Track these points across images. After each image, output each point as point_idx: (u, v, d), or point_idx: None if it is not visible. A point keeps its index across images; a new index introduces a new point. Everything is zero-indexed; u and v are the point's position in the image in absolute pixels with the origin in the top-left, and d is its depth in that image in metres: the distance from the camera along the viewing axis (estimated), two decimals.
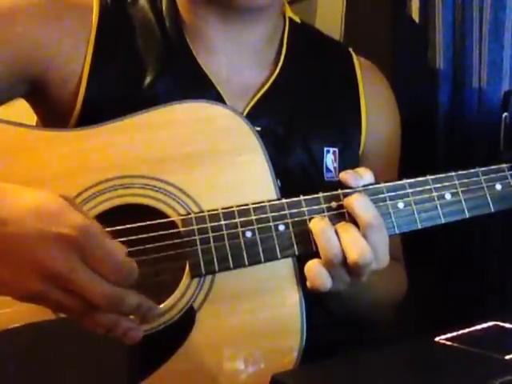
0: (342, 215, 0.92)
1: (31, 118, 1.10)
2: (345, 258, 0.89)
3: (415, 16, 1.44)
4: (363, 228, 0.90)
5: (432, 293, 1.38)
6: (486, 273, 1.37)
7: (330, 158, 1.11)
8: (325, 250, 0.89)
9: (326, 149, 1.11)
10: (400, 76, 1.41)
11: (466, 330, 0.89)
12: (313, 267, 0.90)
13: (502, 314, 0.94)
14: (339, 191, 0.94)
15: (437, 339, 0.86)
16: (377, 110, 1.17)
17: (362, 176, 0.94)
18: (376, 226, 0.90)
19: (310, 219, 0.92)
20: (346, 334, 1.15)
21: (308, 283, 0.91)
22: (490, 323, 0.91)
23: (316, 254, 0.91)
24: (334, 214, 0.93)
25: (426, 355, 0.83)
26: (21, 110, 1.08)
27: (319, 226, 0.91)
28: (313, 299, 1.08)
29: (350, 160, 1.13)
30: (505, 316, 0.93)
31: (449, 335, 0.87)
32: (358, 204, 0.91)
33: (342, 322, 1.13)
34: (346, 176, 0.94)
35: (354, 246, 0.89)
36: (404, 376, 0.79)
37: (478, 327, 0.90)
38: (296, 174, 1.08)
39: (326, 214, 0.93)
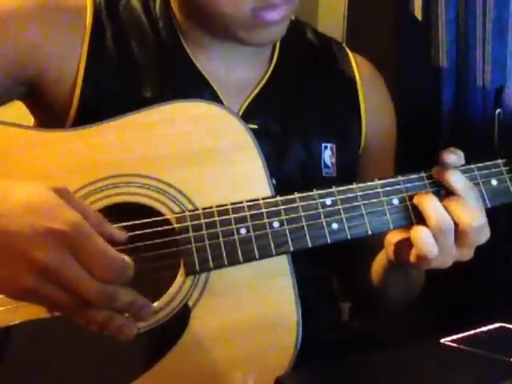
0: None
1: (29, 119, 1.11)
2: (456, 226, 0.92)
3: (418, 14, 1.44)
4: (463, 197, 0.93)
5: (437, 294, 1.38)
6: (492, 274, 1.36)
7: (327, 154, 1.11)
8: (436, 218, 0.92)
9: (323, 144, 1.11)
10: (403, 74, 1.41)
11: (472, 332, 0.89)
12: (420, 234, 0.92)
13: (508, 316, 0.94)
14: (334, 188, 0.94)
15: (442, 341, 0.86)
16: (376, 106, 1.18)
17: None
18: (473, 191, 0.94)
19: (305, 216, 0.92)
20: (351, 335, 1.15)
21: (415, 251, 0.93)
22: (496, 325, 0.91)
23: (312, 251, 0.92)
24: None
25: (431, 357, 0.82)
26: (18, 111, 1.09)
27: (427, 197, 0.94)
28: (317, 300, 1.09)
29: (348, 156, 1.14)
30: (511, 317, 0.92)
31: (454, 337, 0.87)
32: (453, 177, 0.94)
33: (347, 323, 1.13)
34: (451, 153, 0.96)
35: (465, 211, 0.92)
36: (409, 378, 0.78)
37: (484, 329, 0.90)
38: (294, 170, 1.08)
39: (320, 210, 0.92)
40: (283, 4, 0.99)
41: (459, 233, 0.92)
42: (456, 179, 0.94)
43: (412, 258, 0.94)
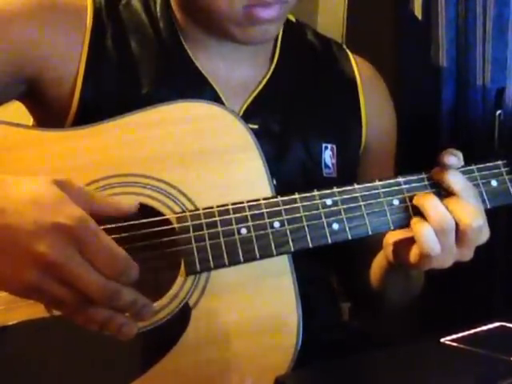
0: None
1: (28, 119, 1.11)
2: (456, 226, 0.92)
3: (418, 13, 1.44)
4: (462, 197, 0.93)
5: (437, 294, 1.38)
6: (492, 274, 1.36)
7: (328, 154, 1.11)
8: (437, 218, 0.92)
9: (324, 145, 1.11)
10: (403, 74, 1.41)
11: (472, 331, 0.88)
12: (423, 231, 0.92)
13: (507, 315, 0.93)
14: (334, 189, 0.94)
15: (442, 340, 0.86)
16: (376, 107, 1.18)
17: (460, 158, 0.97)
18: (472, 192, 0.95)
19: (306, 216, 0.92)
20: (351, 335, 1.15)
21: (417, 249, 0.93)
22: (496, 324, 0.91)
23: (312, 251, 0.92)
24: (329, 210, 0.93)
25: (431, 356, 0.82)
26: (18, 111, 1.09)
27: (427, 198, 0.94)
28: (317, 300, 1.09)
29: (348, 156, 1.14)
30: (511, 317, 0.92)
31: (454, 336, 0.86)
32: (453, 179, 0.94)
33: (347, 323, 1.13)
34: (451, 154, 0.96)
35: (464, 211, 0.92)
36: (409, 377, 0.78)
37: (484, 328, 0.90)
38: (295, 170, 1.09)
39: (321, 210, 0.92)
40: (276, 3, 1.00)
41: (459, 233, 0.92)
42: (456, 180, 0.94)
43: (414, 257, 0.94)
